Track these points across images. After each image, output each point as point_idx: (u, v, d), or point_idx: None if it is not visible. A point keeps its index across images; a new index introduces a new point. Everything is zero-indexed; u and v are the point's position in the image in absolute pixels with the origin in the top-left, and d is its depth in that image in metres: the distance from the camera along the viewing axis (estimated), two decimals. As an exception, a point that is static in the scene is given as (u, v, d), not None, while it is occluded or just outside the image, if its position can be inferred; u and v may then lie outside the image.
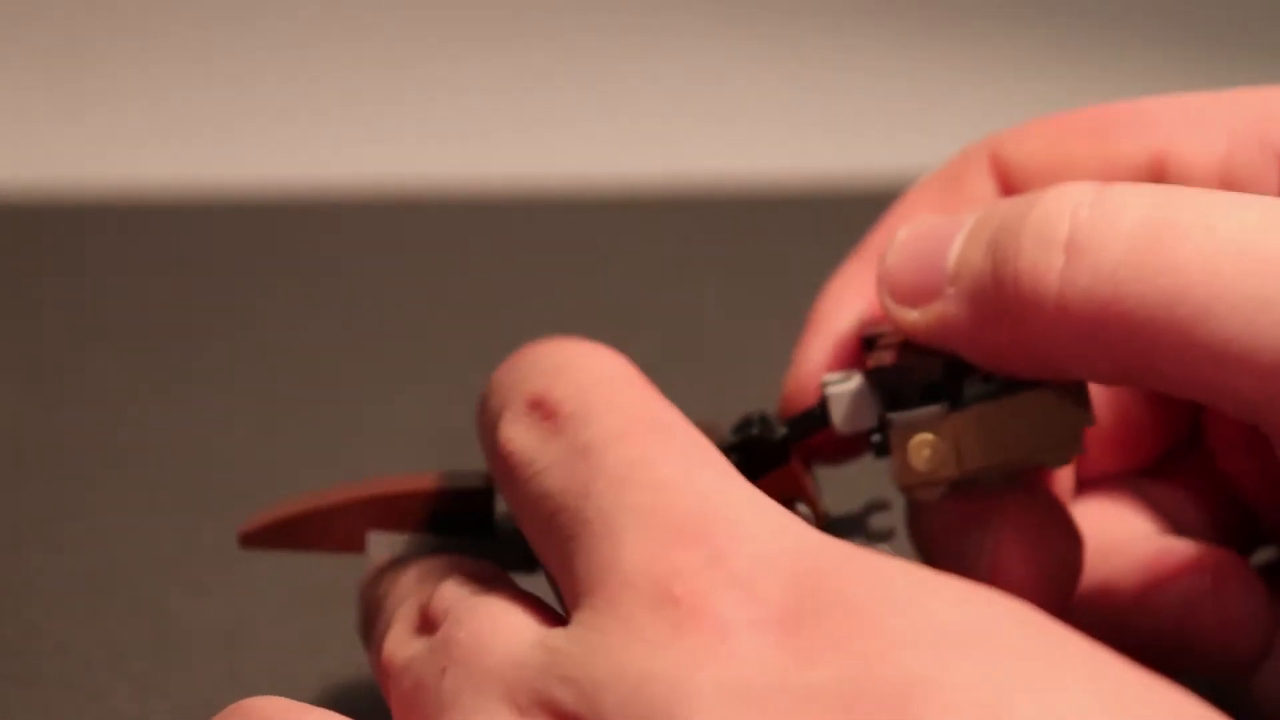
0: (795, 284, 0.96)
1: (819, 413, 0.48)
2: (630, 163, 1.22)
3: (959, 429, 0.46)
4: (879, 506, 0.51)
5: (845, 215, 1.11)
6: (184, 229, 1.09)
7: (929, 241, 0.46)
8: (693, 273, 1.00)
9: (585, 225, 1.09)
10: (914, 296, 0.46)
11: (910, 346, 0.48)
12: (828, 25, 1.55)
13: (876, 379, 0.47)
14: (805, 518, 0.49)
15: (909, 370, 0.47)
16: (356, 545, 0.51)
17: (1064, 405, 0.46)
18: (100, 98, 1.35)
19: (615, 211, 1.12)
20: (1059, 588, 0.47)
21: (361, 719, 0.54)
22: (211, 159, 1.23)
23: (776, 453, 0.49)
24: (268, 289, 0.97)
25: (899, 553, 0.63)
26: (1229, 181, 0.47)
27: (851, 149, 1.24)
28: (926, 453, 0.46)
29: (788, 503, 0.49)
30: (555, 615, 0.42)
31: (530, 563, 0.51)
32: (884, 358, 0.47)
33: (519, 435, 0.44)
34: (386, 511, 0.51)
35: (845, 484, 0.70)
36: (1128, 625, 0.48)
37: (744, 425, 0.50)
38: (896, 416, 0.47)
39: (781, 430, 0.49)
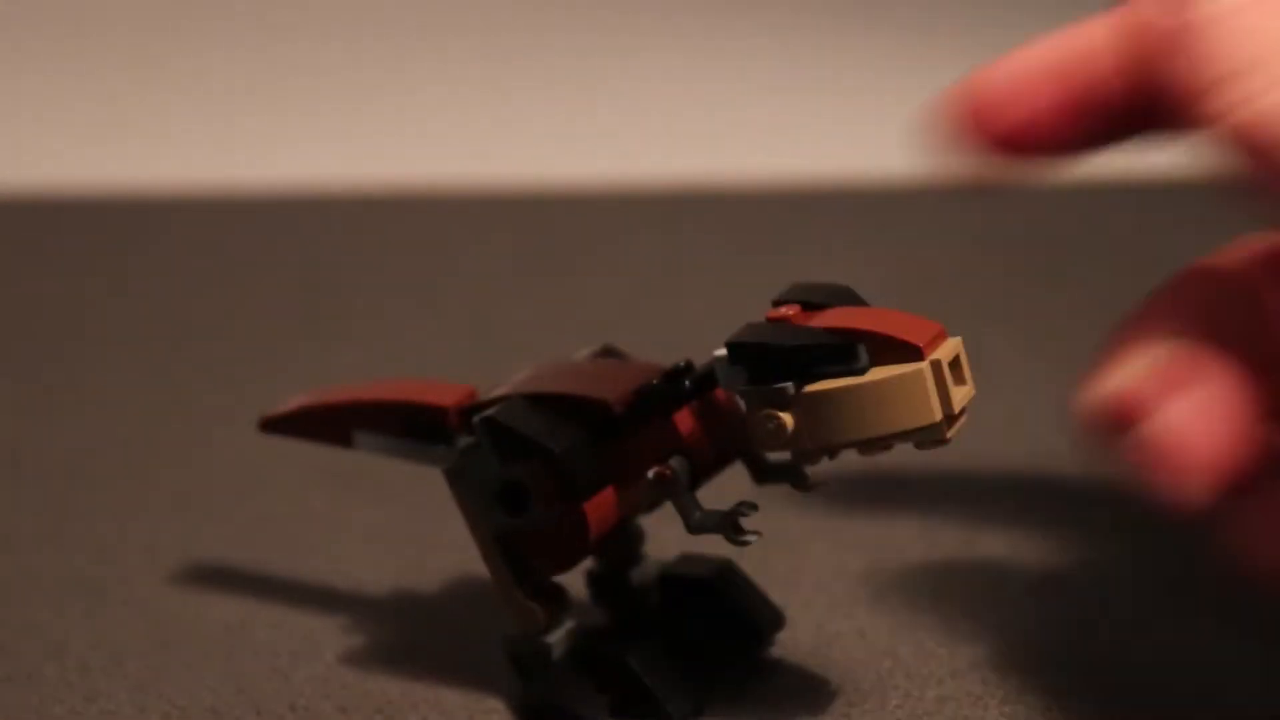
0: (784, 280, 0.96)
1: (710, 373, 0.52)
2: (628, 163, 1.22)
3: (809, 406, 0.49)
4: (749, 505, 0.52)
5: (841, 213, 1.11)
6: (182, 229, 1.09)
7: None
8: (689, 270, 1.00)
9: (583, 223, 1.09)
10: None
11: (775, 325, 0.50)
12: (828, 26, 1.55)
13: (737, 351, 0.50)
14: (680, 471, 0.52)
15: (763, 346, 0.49)
16: (349, 441, 0.59)
17: (929, 389, 0.48)
18: (100, 97, 1.35)
19: (613, 209, 1.11)
20: None
21: (357, 720, 0.55)
22: (210, 159, 1.23)
23: (669, 401, 0.52)
24: (266, 289, 0.97)
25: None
26: None
27: (846, 149, 1.24)
28: (771, 425, 0.49)
29: (666, 454, 0.52)
30: None
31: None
32: (748, 332, 0.50)
33: None
34: (370, 415, 0.58)
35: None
36: None
37: (674, 370, 0.53)
38: (748, 389, 0.50)
39: (685, 383, 0.52)
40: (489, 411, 0.53)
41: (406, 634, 0.60)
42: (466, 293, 0.96)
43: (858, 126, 1.27)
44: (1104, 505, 0.68)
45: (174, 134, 1.27)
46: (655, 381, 0.52)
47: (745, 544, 0.51)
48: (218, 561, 0.65)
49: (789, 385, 0.49)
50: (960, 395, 0.49)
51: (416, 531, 0.68)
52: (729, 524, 0.51)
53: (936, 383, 0.48)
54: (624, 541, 0.57)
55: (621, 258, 1.02)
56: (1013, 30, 1.47)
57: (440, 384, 0.57)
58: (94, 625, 0.61)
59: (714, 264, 1.01)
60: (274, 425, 0.61)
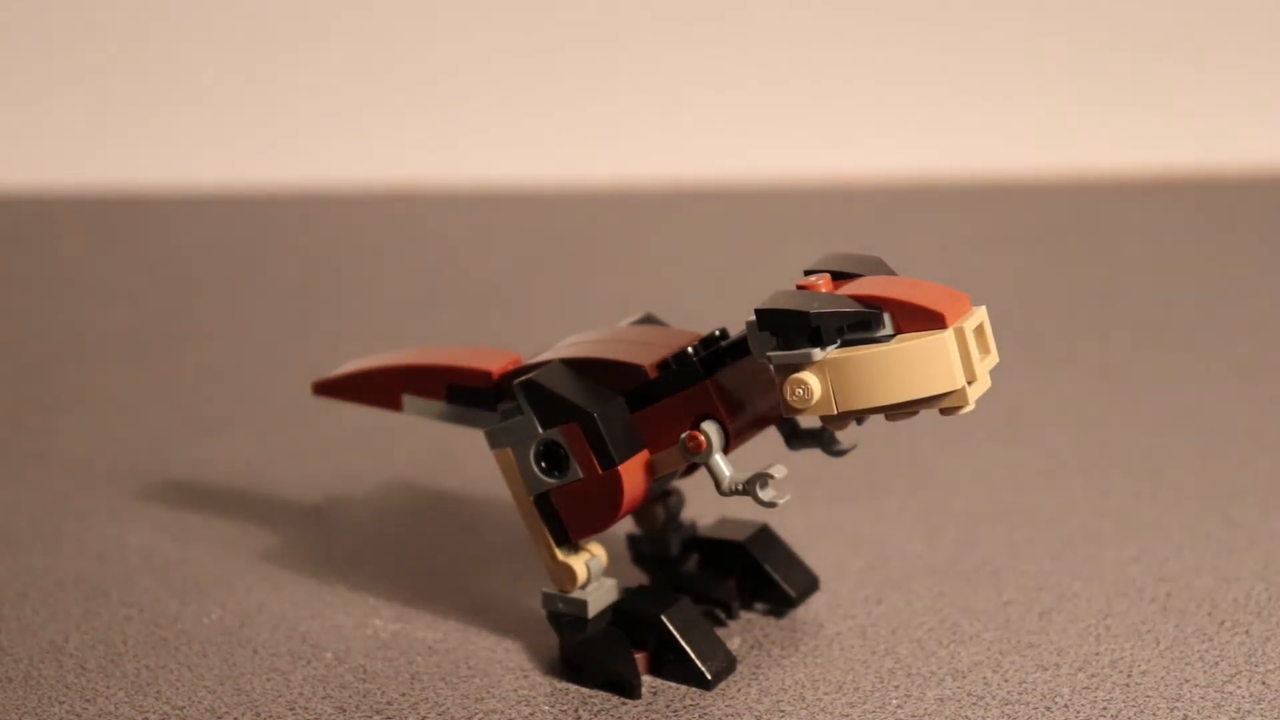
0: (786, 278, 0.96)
1: (743, 340, 0.53)
2: (628, 163, 1.22)
3: (835, 372, 0.50)
4: (778, 469, 0.54)
5: (841, 214, 1.11)
6: (182, 229, 1.09)
7: None
8: (688, 269, 1.00)
9: (583, 222, 1.09)
10: None
11: (803, 293, 0.51)
12: (829, 26, 1.55)
13: (765, 317, 0.51)
14: (712, 435, 0.53)
15: (790, 312, 0.50)
16: (397, 404, 0.61)
17: (952, 356, 0.49)
18: (100, 97, 1.35)
19: (613, 209, 1.11)
20: None
21: (356, 721, 0.55)
22: (210, 159, 1.23)
23: (703, 367, 0.53)
24: (266, 289, 0.97)
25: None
26: None
27: (847, 149, 1.24)
28: (799, 391, 0.50)
29: (699, 419, 0.53)
30: None
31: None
32: (777, 299, 0.51)
33: None
34: (418, 379, 0.60)
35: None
36: None
37: (709, 338, 0.55)
38: (775, 354, 0.51)
39: (719, 349, 0.54)
40: (529, 375, 0.55)
41: (406, 634, 0.60)
42: (466, 292, 0.96)
43: (858, 126, 1.27)
44: (1105, 505, 0.68)
45: (174, 134, 1.27)
46: (690, 348, 0.55)
47: (774, 505, 0.53)
48: (216, 562, 0.65)
49: (815, 351, 0.50)
50: (983, 363, 0.50)
51: (417, 533, 0.68)
52: (758, 486, 0.53)
53: (960, 350, 0.49)
54: (663, 504, 0.60)
55: (621, 257, 1.02)
56: (1012, 31, 1.47)
57: (487, 350, 0.60)
58: (92, 625, 0.61)
59: (714, 263, 1.01)
60: (326, 389, 0.63)
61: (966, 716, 0.54)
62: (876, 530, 0.66)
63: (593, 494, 0.54)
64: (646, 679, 0.56)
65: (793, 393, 0.51)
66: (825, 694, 0.55)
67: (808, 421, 0.57)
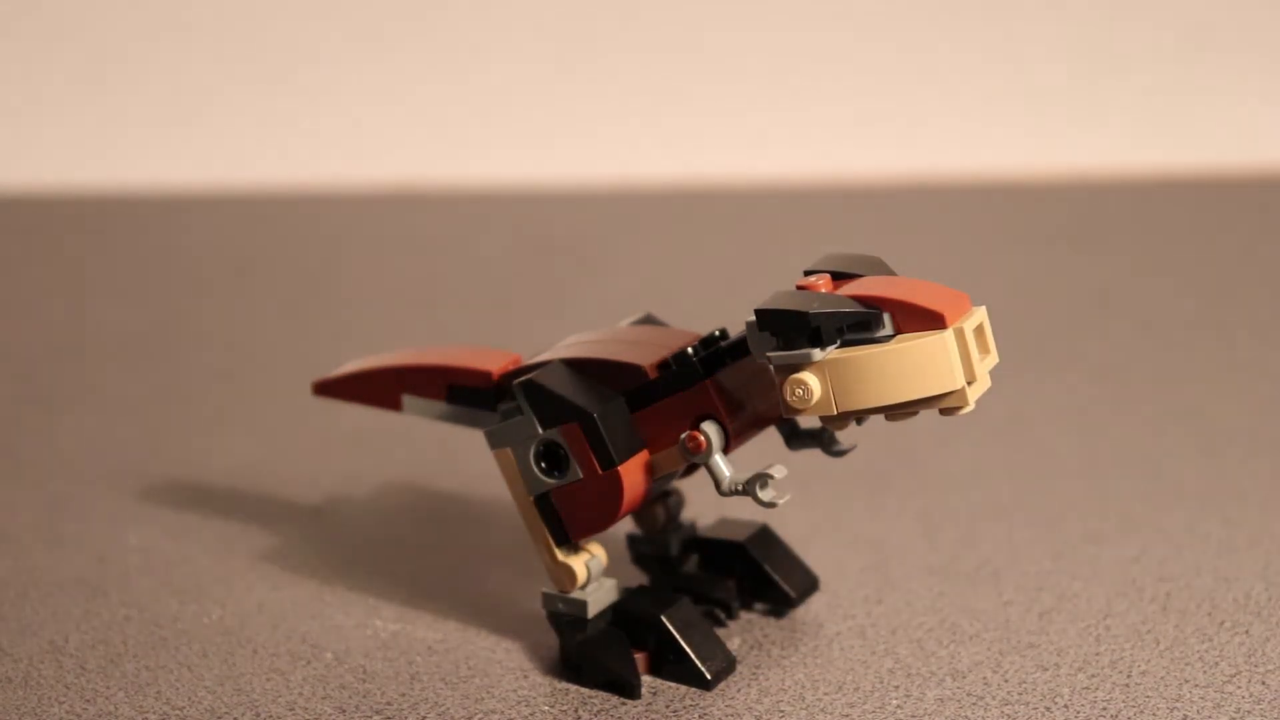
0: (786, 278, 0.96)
1: (743, 340, 0.53)
2: (628, 163, 1.22)
3: (835, 372, 0.50)
4: (778, 469, 0.54)
5: (841, 213, 1.11)
6: (182, 229, 1.09)
7: None
8: (689, 269, 1.00)
9: (584, 222, 1.09)
10: None
11: (803, 293, 0.51)
12: (829, 25, 1.54)
13: (765, 317, 0.51)
14: (712, 435, 0.53)
15: (789, 313, 0.50)
16: (397, 404, 0.61)
17: (951, 356, 0.49)
18: (100, 97, 1.35)
19: (614, 209, 1.11)
20: None
21: (356, 721, 0.55)
22: (211, 159, 1.23)
23: (703, 367, 0.54)
24: (266, 289, 0.97)
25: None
26: None
27: (846, 149, 1.24)
28: (799, 391, 0.50)
29: (699, 419, 0.53)
30: None
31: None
32: (777, 299, 0.51)
33: None
34: (418, 379, 0.60)
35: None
36: None
37: (709, 338, 0.55)
38: (774, 355, 0.51)
39: (719, 350, 0.54)
40: (529, 375, 0.55)
41: (406, 634, 0.60)
42: (466, 292, 0.96)
43: (858, 126, 1.27)
44: (1105, 505, 0.68)
45: (174, 134, 1.27)
46: (690, 348, 0.55)
47: (774, 506, 0.53)
48: (216, 562, 0.65)
49: (815, 351, 0.50)
50: (983, 363, 0.50)
51: (417, 533, 0.68)
52: (758, 486, 0.53)
53: (960, 350, 0.49)
54: (663, 505, 0.60)
55: (621, 257, 1.02)
56: (1012, 31, 1.46)
57: (487, 350, 0.60)
58: (92, 625, 0.61)
59: (714, 263, 1.01)
60: (326, 389, 0.63)
61: (966, 716, 0.54)
62: (876, 530, 0.66)
63: (593, 494, 0.54)
64: (646, 679, 0.56)
65: (793, 393, 0.51)
66: (825, 694, 0.55)
67: (808, 421, 0.57)
